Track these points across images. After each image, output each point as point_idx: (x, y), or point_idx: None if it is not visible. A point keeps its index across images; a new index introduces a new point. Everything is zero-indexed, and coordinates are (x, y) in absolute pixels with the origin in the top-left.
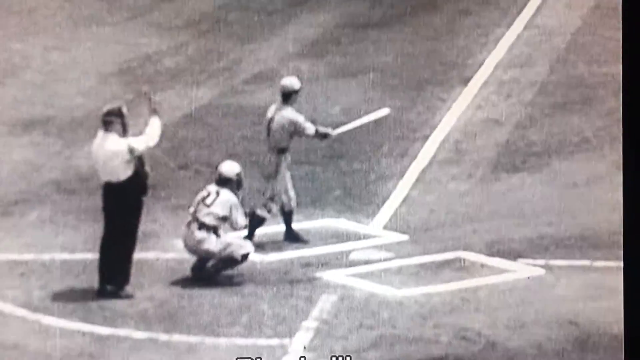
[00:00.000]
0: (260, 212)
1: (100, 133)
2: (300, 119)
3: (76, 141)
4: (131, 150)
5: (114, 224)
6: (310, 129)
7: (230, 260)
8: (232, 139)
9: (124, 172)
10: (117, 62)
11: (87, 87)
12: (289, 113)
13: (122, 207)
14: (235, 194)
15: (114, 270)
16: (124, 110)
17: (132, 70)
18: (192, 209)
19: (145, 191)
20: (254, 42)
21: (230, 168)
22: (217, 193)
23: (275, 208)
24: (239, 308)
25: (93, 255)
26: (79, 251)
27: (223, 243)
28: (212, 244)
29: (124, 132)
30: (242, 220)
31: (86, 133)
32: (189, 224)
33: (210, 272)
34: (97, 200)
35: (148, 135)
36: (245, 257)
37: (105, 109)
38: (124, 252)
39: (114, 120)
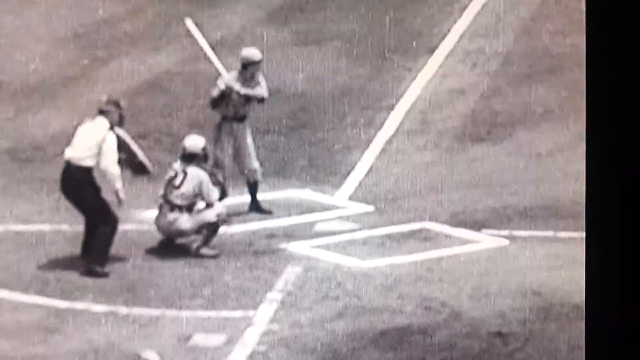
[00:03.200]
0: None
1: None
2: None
3: (30, 108)
4: (102, 141)
5: (83, 208)
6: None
7: (212, 226)
8: (193, 107)
9: (89, 157)
10: (73, 26)
11: (41, 52)
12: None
13: (84, 193)
14: (203, 167)
15: (96, 249)
16: (122, 102)
17: (88, 35)
18: (161, 192)
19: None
20: (216, 7)
21: (195, 143)
22: (184, 172)
23: (220, 175)
24: (201, 280)
25: (49, 227)
26: (34, 222)
27: (195, 218)
28: (184, 223)
29: (120, 124)
30: (214, 194)
31: (40, 99)
32: (161, 207)
33: (198, 245)
34: (53, 170)
35: (115, 168)
36: (221, 216)
37: (103, 98)
38: (104, 234)
39: (111, 110)
